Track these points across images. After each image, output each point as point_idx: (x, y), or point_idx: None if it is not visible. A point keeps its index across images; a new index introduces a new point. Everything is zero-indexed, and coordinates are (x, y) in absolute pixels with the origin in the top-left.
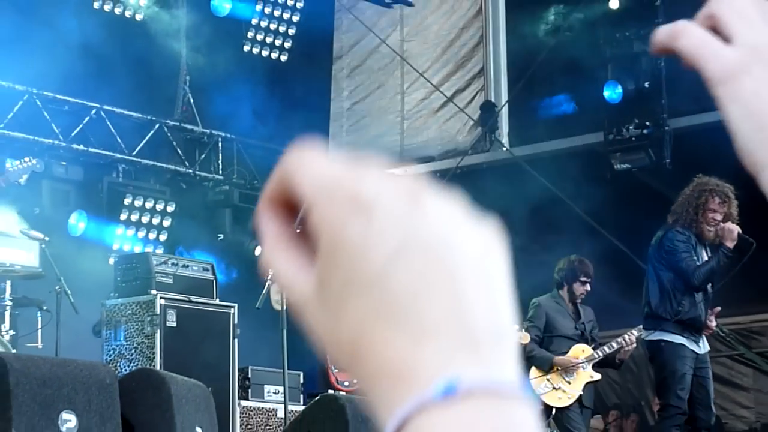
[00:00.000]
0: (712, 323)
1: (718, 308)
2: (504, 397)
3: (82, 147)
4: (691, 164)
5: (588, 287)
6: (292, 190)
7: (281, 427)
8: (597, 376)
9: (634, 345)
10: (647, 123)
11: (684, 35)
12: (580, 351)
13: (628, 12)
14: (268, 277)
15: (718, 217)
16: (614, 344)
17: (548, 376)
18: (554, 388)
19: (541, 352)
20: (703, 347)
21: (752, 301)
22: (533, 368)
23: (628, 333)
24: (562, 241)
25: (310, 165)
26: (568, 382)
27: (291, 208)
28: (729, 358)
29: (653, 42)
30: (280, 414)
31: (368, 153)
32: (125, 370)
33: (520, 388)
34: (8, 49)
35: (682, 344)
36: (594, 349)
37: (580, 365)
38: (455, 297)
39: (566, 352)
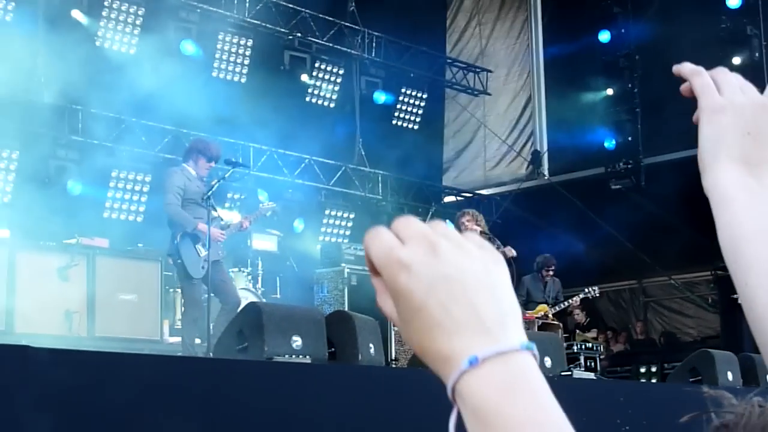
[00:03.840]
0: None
1: None
2: (508, 355)
3: (300, 181)
4: (659, 184)
5: (551, 272)
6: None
7: None
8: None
9: (578, 303)
10: (630, 161)
11: (700, 75)
12: (541, 308)
13: (615, 98)
14: None
15: (468, 225)
16: (563, 304)
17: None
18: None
19: None
20: None
21: (690, 264)
22: None
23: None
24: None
25: (375, 242)
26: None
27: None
28: (680, 299)
29: (680, 69)
30: None
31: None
32: (328, 310)
33: (519, 346)
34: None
35: None
36: (552, 307)
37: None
38: (470, 304)
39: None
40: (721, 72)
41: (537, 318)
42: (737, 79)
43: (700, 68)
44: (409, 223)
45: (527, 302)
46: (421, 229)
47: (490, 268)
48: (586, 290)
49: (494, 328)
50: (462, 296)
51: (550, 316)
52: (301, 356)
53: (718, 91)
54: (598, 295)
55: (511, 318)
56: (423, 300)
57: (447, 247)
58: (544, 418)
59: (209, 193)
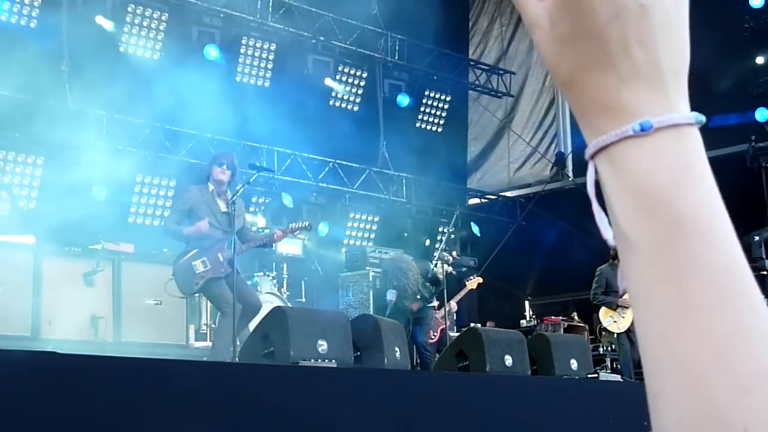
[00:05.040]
0: None
1: None
2: (684, 129)
3: (324, 184)
4: None
5: None
6: None
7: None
8: None
9: None
10: None
11: None
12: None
13: None
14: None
15: None
16: None
17: (611, 314)
18: (614, 321)
19: (606, 298)
20: None
21: None
22: (603, 308)
23: None
24: None
25: None
26: (622, 317)
27: None
28: None
29: None
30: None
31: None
32: (353, 314)
33: (691, 117)
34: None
35: None
36: None
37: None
38: (653, 50)
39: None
40: None
41: (562, 320)
42: None
43: None
44: None
45: (607, 292)
46: None
47: (678, 7)
48: None
49: (671, 85)
50: (650, 37)
51: None
52: (326, 360)
53: None
54: None
55: (685, 74)
56: (604, 26)
57: None
58: (713, 219)
59: (234, 198)
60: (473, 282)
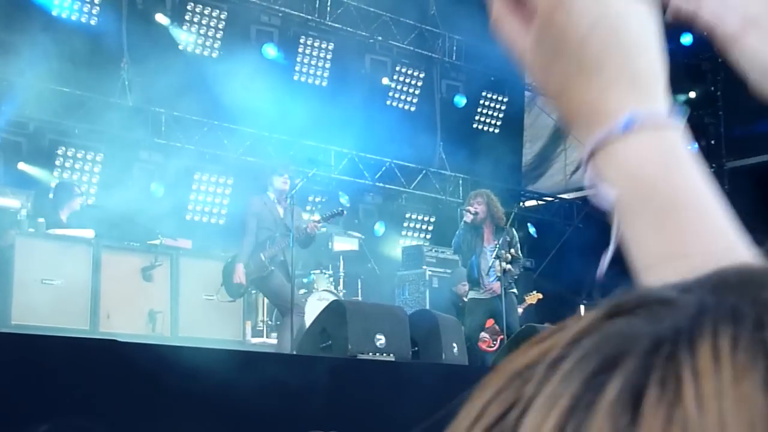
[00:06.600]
0: None
1: None
2: (663, 127)
3: (381, 184)
4: (743, 189)
5: None
6: None
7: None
8: None
9: None
10: (713, 165)
11: (703, 5)
12: None
13: (698, 102)
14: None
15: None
16: None
17: None
18: None
19: None
20: None
21: None
22: None
23: None
24: None
25: None
26: None
27: None
28: None
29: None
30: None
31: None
32: (410, 310)
33: (671, 117)
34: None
35: None
36: None
37: None
38: (629, 57)
39: None
40: None
41: None
42: None
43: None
44: None
45: None
46: None
47: (648, 19)
48: None
49: (648, 88)
50: (626, 43)
51: None
52: (384, 354)
53: None
54: None
55: (662, 81)
56: (581, 41)
57: None
58: (703, 191)
59: (292, 192)
60: (533, 297)
